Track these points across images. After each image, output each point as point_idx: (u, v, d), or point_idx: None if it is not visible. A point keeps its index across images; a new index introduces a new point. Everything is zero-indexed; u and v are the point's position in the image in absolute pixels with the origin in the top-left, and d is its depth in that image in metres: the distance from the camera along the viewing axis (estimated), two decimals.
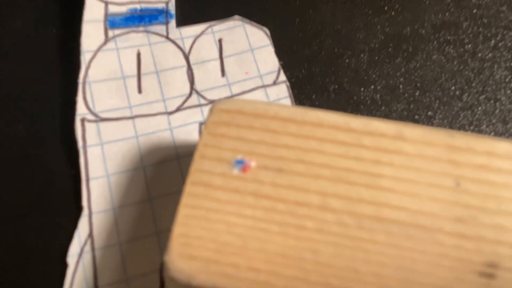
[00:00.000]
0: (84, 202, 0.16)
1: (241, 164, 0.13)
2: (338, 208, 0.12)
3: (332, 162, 0.12)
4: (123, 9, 0.19)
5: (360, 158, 0.12)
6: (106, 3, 0.19)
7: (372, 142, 0.12)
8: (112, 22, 0.18)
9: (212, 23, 0.19)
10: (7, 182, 0.16)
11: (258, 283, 0.11)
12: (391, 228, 0.12)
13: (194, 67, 0.18)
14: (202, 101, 0.18)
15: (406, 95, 0.18)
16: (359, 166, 0.12)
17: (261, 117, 0.13)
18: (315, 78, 0.18)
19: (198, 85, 0.18)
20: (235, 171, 0.12)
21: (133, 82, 0.18)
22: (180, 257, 0.12)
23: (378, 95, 0.18)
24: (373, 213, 0.12)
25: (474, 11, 0.19)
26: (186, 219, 0.12)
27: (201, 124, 0.17)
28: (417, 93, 0.18)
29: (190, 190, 0.12)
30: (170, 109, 0.17)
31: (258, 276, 0.11)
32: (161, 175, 0.16)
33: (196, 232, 0.12)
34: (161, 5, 0.19)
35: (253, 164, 0.13)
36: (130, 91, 0.18)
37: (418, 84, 0.18)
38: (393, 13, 0.20)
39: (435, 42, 0.19)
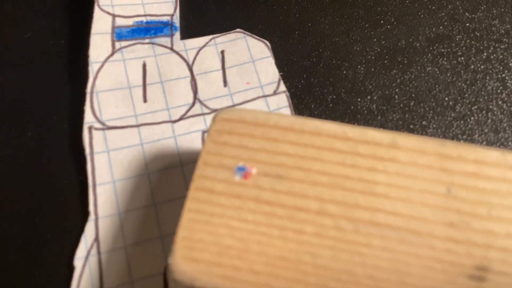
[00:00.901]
0: (91, 207, 0.16)
1: (243, 171, 0.13)
2: (335, 213, 0.12)
3: (329, 169, 0.13)
4: (130, 21, 0.19)
5: (356, 165, 0.13)
6: (114, 16, 0.19)
7: (367, 151, 0.13)
8: (119, 34, 0.19)
9: (215, 35, 0.20)
10: (16, 187, 0.17)
11: (258, 285, 0.12)
12: (385, 233, 0.12)
13: (197, 78, 0.19)
14: (205, 110, 0.18)
15: (401, 105, 0.19)
16: (355, 173, 0.13)
17: (261, 126, 0.13)
18: (314, 89, 0.19)
19: (201, 95, 0.19)
20: (237, 178, 0.13)
21: (138, 92, 0.18)
22: (183, 260, 0.12)
23: (374, 105, 0.19)
24: (368, 218, 0.12)
25: (467, 24, 0.20)
26: (189, 223, 0.13)
27: (204, 132, 0.18)
28: (412, 104, 0.19)
29: (194, 195, 0.13)
30: (174, 118, 0.18)
31: (259, 278, 0.12)
32: (165, 181, 0.17)
33: (199, 236, 0.12)
34: (166, 18, 0.20)
35: (254, 171, 0.13)
36: (136, 100, 0.18)
37: (413, 95, 0.19)
38: (389, 26, 0.20)
39: (429, 55, 0.19)
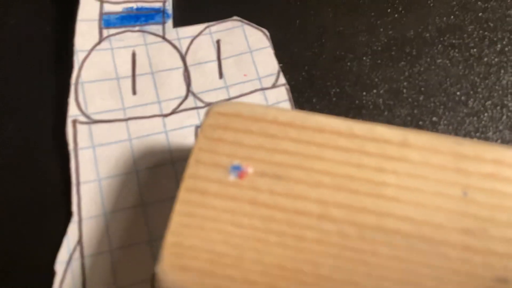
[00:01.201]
0: (74, 207, 0.15)
1: (238, 170, 0.12)
2: (339, 218, 0.11)
3: (333, 169, 0.12)
4: (119, 8, 0.18)
5: (363, 165, 0.12)
6: (102, 2, 0.18)
7: (375, 149, 0.12)
8: (107, 21, 0.18)
9: (210, 23, 0.19)
10: None
11: None
12: (394, 240, 0.11)
13: (191, 69, 0.18)
14: (199, 104, 0.17)
15: (409, 99, 0.18)
16: (362, 173, 0.12)
17: (259, 121, 0.13)
18: (315, 82, 0.18)
19: (194, 87, 0.17)
20: (232, 178, 0.12)
21: (127, 83, 0.17)
22: (172, 268, 0.11)
23: (380, 100, 0.18)
24: (375, 223, 0.11)
25: (480, 14, 0.19)
26: (179, 228, 0.12)
27: (197, 127, 0.17)
28: (421, 98, 0.18)
29: (184, 197, 0.12)
30: (165, 112, 0.17)
31: None
32: (155, 180, 0.16)
33: (190, 242, 0.11)
34: (157, 5, 0.19)
35: (250, 170, 0.12)
36: (124, 92, 0.17)
37: (422, 89, 0.18)
38: (396, 15, 0.19)
39: (439, 46, 0.18)
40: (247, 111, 0.13)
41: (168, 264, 0.11)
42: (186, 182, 0.12)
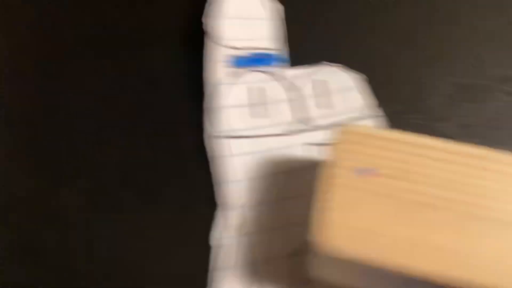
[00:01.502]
0: (224, 200, 0.20)
1: (367, 173, 0.16)
2: (453, 209, 0.15)
3: (441, 174, 0.16)
4: (242, 52, 0.23)
5: (462, 172, 0.16)
6: (226, 47, 0.23)
7: (474, 162, 0.16)
8: (231, 62, 0.23)
9: (311, 66, 0.23)
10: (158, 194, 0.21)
11: (396, 261, 0.14)
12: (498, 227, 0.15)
13: (299, 101, 0.22)
14: (307, 128, 0.22)
15: (478, 132, 0.22)
16: (464, 179, 0.16)
17: (380, 139, 0.17)
18: (398, 115, 0.22)
19: (303, 115, 0.22)
20: (364, 177, 0.16)
21: (254, 109, 0.22)
22: (330, 237, 0.15)
23: (453, 132, 0.22)
24: (483, 214, 0.15)
25: None
26: (329, 211, 0.16)
27: (305, 144, 0.21)
28: (488, 131, 0.22)
29: (329, 189, 0.16)
30: (284, 132, 0.22)
31: (396, 254, 0.15)
32: (289, 181, 0.20)
33: (339, 218, 0.15)
34: (272, 51, 0.24)
35: (377, 173, 0.16)
36: (252, 116, 0.22)
37: (490, 124, 0.22)
38: (458, 62, 0.24)
39: (501, 91, 0.23)
40: (369, 130, 0.17)
41: (326, 236, 0.15)
42: (328, 180, 0.16)
